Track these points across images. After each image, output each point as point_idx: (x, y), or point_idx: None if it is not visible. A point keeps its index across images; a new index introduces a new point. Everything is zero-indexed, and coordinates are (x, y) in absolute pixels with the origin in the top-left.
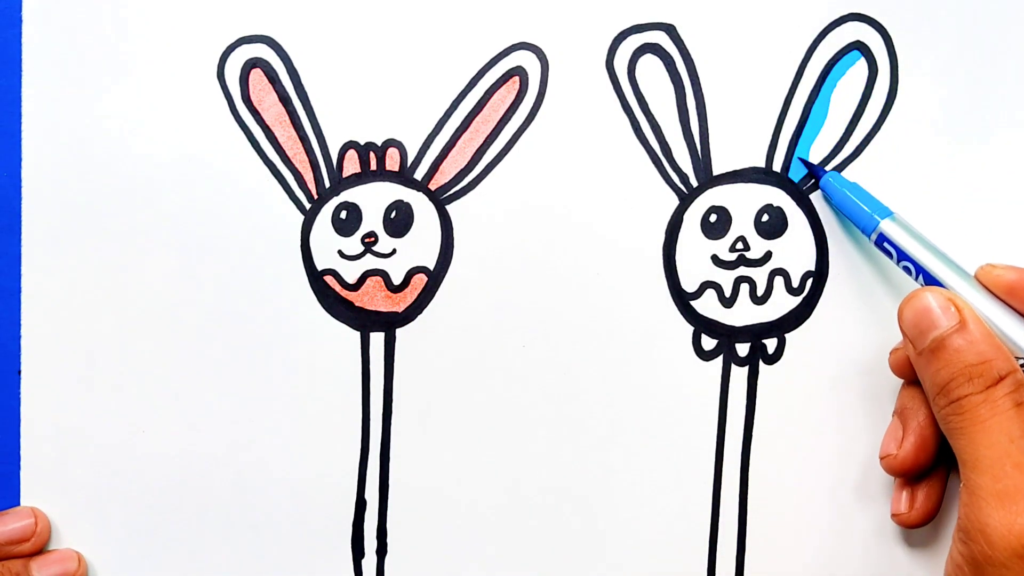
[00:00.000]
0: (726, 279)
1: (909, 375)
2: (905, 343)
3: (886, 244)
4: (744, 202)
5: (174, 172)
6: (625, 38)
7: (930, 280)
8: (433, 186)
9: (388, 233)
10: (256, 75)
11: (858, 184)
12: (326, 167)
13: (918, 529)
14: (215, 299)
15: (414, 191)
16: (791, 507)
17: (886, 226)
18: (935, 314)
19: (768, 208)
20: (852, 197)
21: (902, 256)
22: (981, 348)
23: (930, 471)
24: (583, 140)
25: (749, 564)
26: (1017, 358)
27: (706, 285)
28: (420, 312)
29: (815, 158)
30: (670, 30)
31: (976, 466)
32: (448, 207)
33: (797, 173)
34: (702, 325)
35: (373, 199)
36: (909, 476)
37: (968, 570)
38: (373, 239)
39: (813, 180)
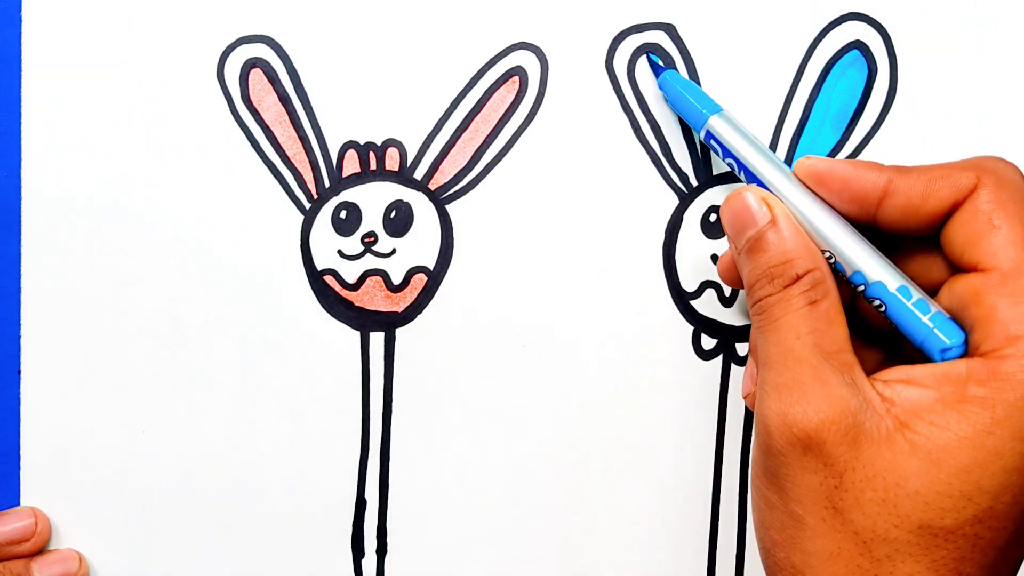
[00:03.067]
0: None
1: (733, 280)
2: (729, 243)
3: (713, 141)
4: None
5: (174, 172)
6: (625, 38)
7: (751, 177)
8: (433, 186)
9: (388, 233)
10: (256, 75)
11: (693, 83)
12: (326, 167)
13: None
14: (215, 299)
15: (414, 191)
16: None
17: (714, 122)
18: (751, 212)
19: None
20: (685, 94)
21: (727, 153)
22: (786, 247)
23: None
24: (583, 140)
25: (749, 564)
26: (823, 251)
27: (706, 285)
28: (420, 312)
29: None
30: (670, 30)
31: (765, 362)
32: (448, 207)
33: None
34: (702, 325)
35: (373, 199)
36: None
37: (759, 460)
38: (373, 239)
39: None
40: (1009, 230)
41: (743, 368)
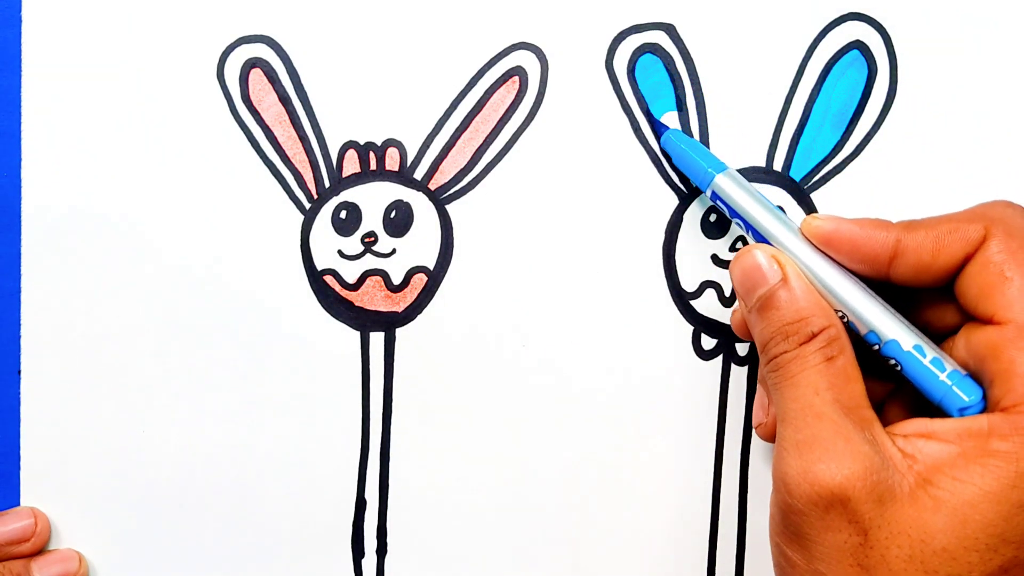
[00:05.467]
0: (726, 279)
1: (748, 334)
2: (739, 301)
3: (719, 201)
4: None
5: (174, 172)
6: (625, 38)
7: (759, 236)
8: (433, 186)
9: (388, 233)
10: (256, 75)
11: (697, 141)
12: (326, 167)
13: None
14: (215, 299)
15: (414, 191)
16: None
17: (720, 181)
18: (761, 271)
19: None
20: (690, 153)
21: (733, 213)
22: (800, 305)
23: None
24: (583, 140)
25: (749, 564)
26: (836, 310)
27: (706, 285)
28: (420, 312)
29: (815, 158)
30: (670, 30)
31: (784, 418)
32: (448, 207)
33: (798, 172)
34: (702, 325)
35: (373, 199)
36: None
37: (778, 518)
38: (373, 239)
39: (815, 178)
40: (1022, 281)
41: (743, 368)
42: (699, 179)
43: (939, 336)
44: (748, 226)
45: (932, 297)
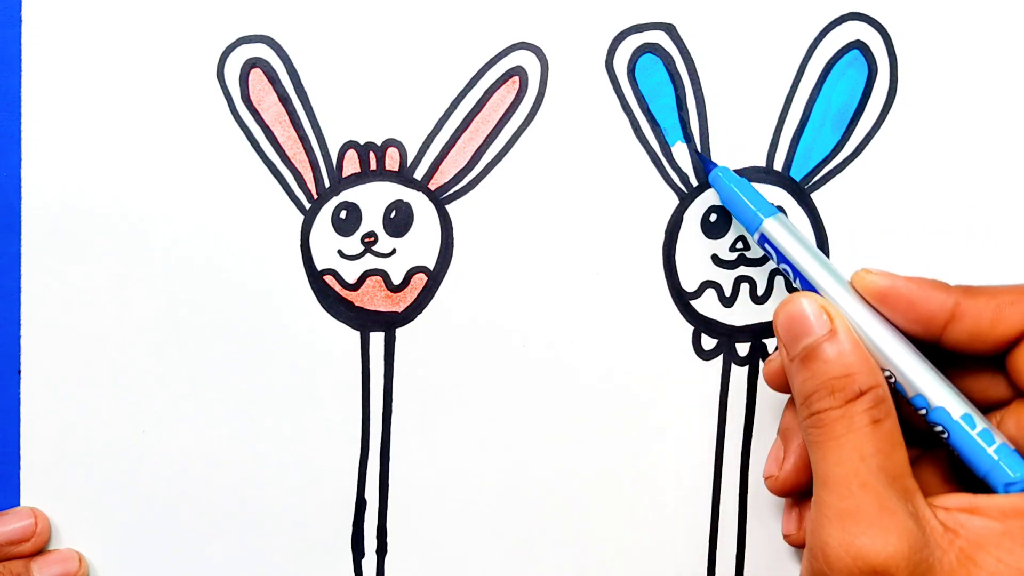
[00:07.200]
0: (726, 279)
1: (781, 385)
2: (779, 348)
3: (767, 245)
4: None
5: (174, 172)
6: (625, 38)
7: (806, 284)
8: (433, 186)
9: (388, 233)
10: (256, 75)
11: (746, 181)
12: (326, 167)
13: None
14: (215, 299)
15: (414, 191)
16: None
17: (768, 225)
18: (809, 321)
19: None
20: (739, 193)
21: (781, 258)
22: (848, 360)
23: None
24: (583, 140)
25: (749, 564)
26: (883, 370)
27: (706, 285)
28: (420, 312)
29: (815, 158)
30: (670, 30)
31: (825, 482)
32: (448, 207)
33: (798, 172)
34: (702, 325)
35: (373, 199)
36: (794, 496)
37: None
38: (373, 239)
39: (815, 179)
40: None
41: (744, 368)
42: (746, 221)
43: (982, 408)
44: (796, 273)
45: (978, 365)
